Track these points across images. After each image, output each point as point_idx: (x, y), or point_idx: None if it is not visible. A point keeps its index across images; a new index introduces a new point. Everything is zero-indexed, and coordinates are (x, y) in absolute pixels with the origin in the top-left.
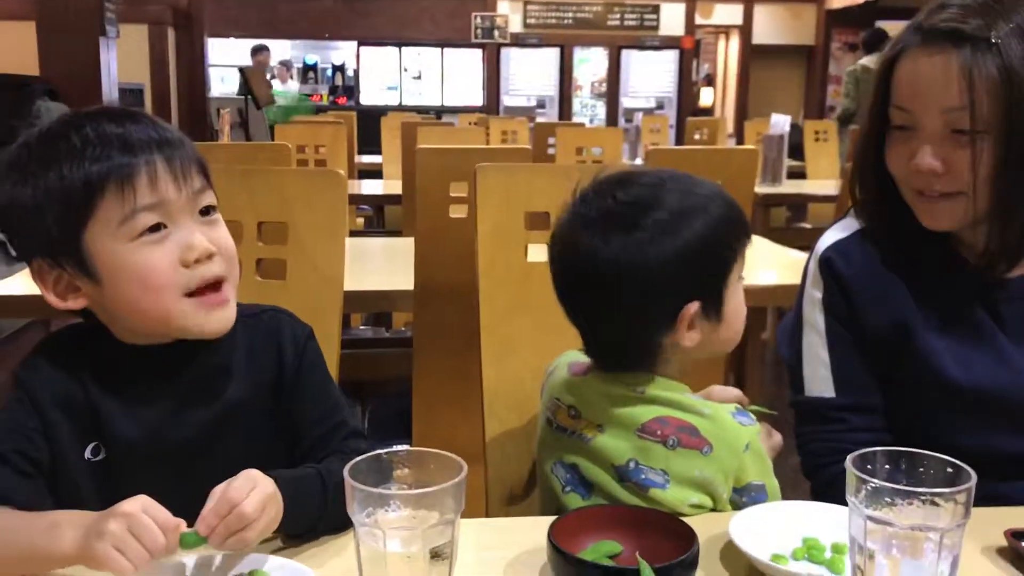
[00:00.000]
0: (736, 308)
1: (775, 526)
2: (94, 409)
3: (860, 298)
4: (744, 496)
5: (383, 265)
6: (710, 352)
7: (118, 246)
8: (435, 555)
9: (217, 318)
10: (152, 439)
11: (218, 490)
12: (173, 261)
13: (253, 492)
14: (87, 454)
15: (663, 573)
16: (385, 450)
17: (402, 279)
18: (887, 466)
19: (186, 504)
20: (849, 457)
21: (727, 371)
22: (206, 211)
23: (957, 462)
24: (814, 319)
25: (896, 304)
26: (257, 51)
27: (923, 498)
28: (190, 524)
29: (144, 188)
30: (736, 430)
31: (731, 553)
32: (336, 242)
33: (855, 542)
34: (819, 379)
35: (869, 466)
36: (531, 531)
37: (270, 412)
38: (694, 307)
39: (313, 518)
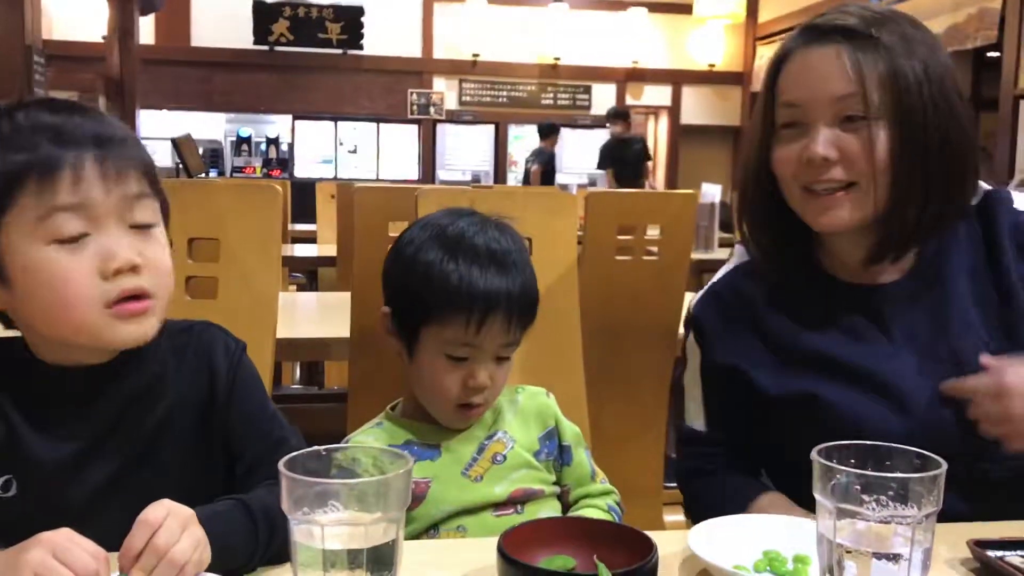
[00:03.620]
0: None
1: (735, 539)
2: (11, 438)
3: (723, 346)
4: None
5: (317, 316)
6: None
7: (33, 247)
8: (377, 557)
9: (132, 329)
10: (74, 469)
11: (141, 533)
12: (91, 271)
13: (184, 536)
14: None
15: None
16: (324, 447)
17: (337, 330)
18: (852, 461)
19: (110, 541)
20: (815, 450)
21: (669, 425)
22: (142, 224)
23: (925, 452)
24: (691, 359)
25: (768, 340)
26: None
27: (891, 493)
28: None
29: (65, 185)
30: None
31: (690, 568)
32: (270, 259)
33: (823, 539)
34: (693, 412)
35: (835, 460)
36: (477, 550)
37: (203, 433)
38: None
39: (244, 553)
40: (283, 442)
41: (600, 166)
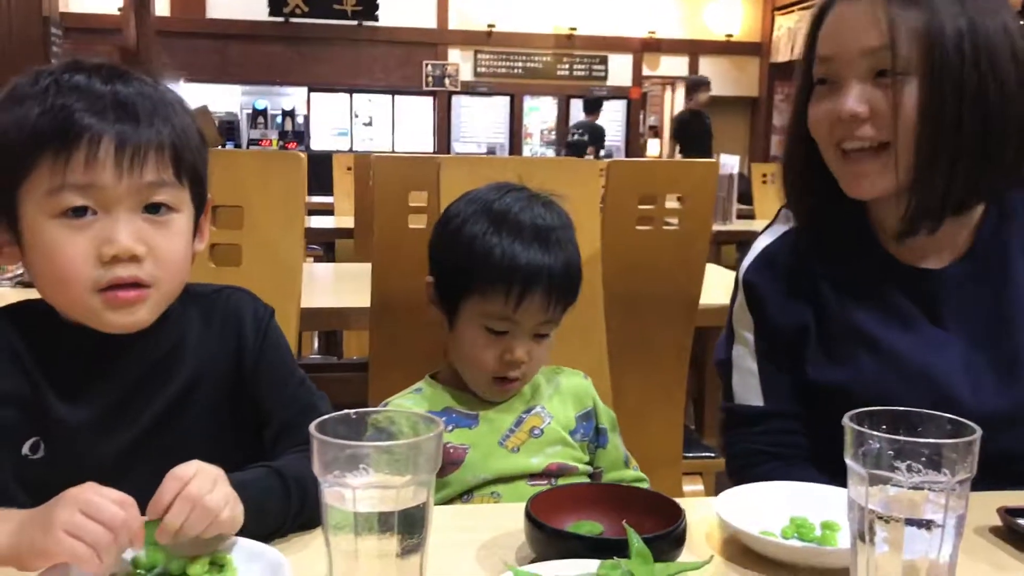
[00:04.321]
0: None
1: (762, 505)
2: (38, 400)
3: (781, 312)
4: None
5: (335, 286)
6: None
7: (40, 218)
8: (408, 520)
9: (121, 318)
10: (100, 430)
11: (171, 486)
12: (89, 252)
13: (216, 489)
14: (25, 450)
15: (651, 544)
16: (355, 410)
17: (356, 300)
18: (884, 427)
19: (138, 502)
20: (847, 416)
21: (688, 395)
22: (156, 208)
23: (959, 419)
24: (742, 332)
25: (823, 298)
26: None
27: (923, 458)
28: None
29: (78, 165)
30: None
31: (717, 535)
32: (294, 227)
33: (855, 505)
34: (748, 388)
35: (867, 426)
36: (504, 515)
37: (229, 398)
38: None
39: (277, 518)
40: (312, 408)
41: (673, 138)
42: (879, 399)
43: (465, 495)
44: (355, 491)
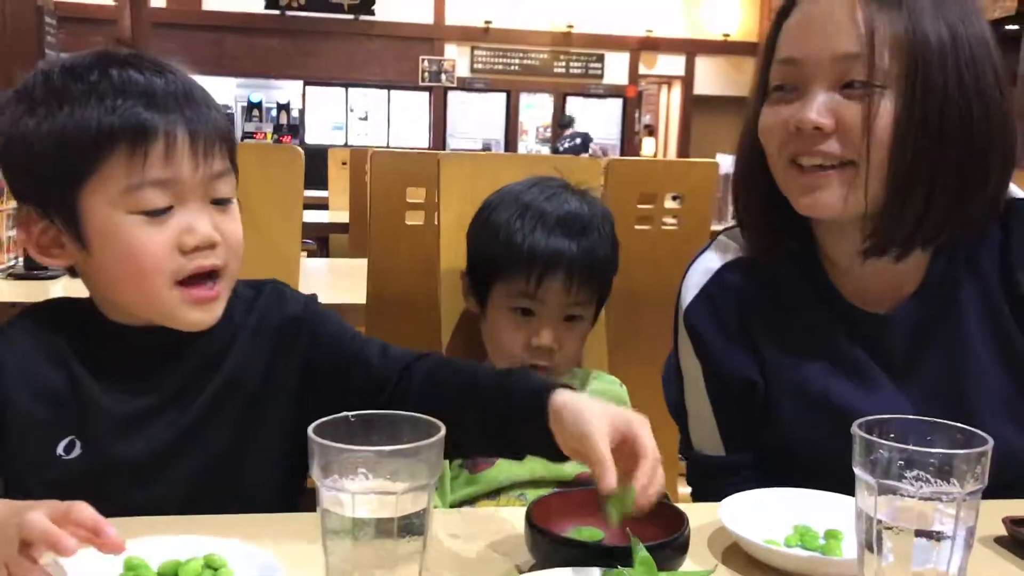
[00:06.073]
0: None
1: (765, 513)
2: (77, 398)
3: (727, 363)
4: None
5: (330, 282)
6: None
7: (115, 214)
8: (407, 526)
9: (202, 315)
10: (139, 429)
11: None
12: (170, 244)
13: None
14: (59, 451)
15: (654, 552)
16: (353, 413)
17: (350, 296)
18: (892, 435)
19: (170, 501)
20: (856, 424)
21: None
22: (221, 199)
23: (969, 428)
24: (692, 375)
25: (766, 351)
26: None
27: (932, 468)
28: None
29: (158, 159)
30: None
31: (719, 542)
32: (292, 221)
33: (863, 515)
34: (706, 436)
35: (876, 434)
36: (506, 520)
37: (274, 387)
38: None
39: None
40: (405, 353)
41: None
42: (827, 459)
43: (493, 495)
44: (353, 496)
